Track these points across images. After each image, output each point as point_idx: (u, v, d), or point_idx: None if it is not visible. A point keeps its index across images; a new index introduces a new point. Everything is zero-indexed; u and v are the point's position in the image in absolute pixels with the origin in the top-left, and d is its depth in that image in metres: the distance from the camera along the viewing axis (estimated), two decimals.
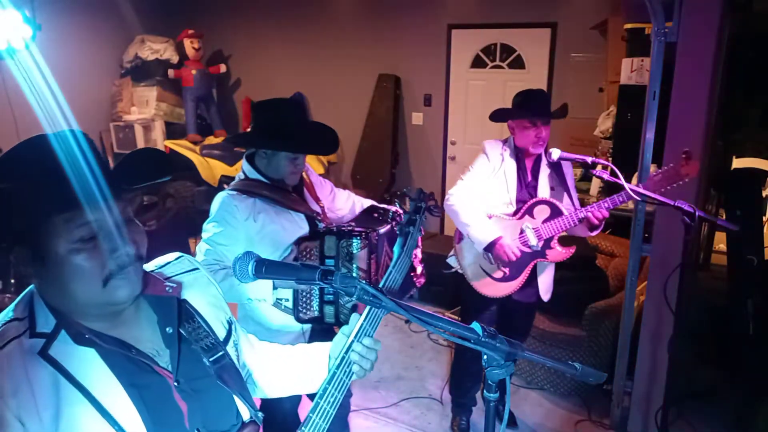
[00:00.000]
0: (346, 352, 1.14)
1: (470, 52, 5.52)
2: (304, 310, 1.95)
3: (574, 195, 2.67)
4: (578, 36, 4.95)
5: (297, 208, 2.03)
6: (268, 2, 6.27)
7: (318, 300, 1.93)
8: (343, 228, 1.93)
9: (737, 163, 4.56)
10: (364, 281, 0.87)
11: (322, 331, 2.13)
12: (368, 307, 1.16)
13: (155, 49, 6.21)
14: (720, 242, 5.02)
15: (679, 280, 2.22)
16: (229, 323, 1.15)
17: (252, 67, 6.63)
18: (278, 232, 1.97)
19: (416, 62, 5.72)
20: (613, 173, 2.29)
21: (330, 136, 2.08)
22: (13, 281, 3.32)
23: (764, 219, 4.05)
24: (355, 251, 1.86)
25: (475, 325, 0.93)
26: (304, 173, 2.20)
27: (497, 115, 2.62)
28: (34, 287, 0.94)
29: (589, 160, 2.36)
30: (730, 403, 3.07)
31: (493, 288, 2.62)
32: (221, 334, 1.10)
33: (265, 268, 0.90)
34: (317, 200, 2.18)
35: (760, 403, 2.82)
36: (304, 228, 2.03)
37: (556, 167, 2.63)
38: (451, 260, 2.78)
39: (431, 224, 6.07)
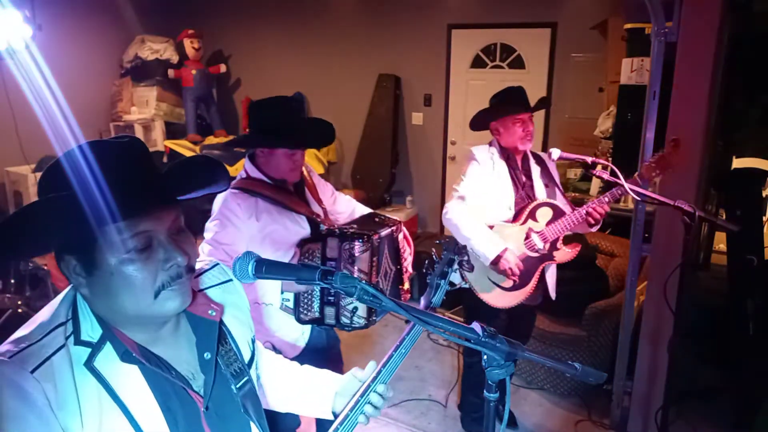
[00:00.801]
0: (362, 396, 1.15)
1: (470, 52, 5.52)
2: (305, 311, 1.95)
3: (561, 190, 2.68)
4: (578, 36, 4.95)
5: (298, 209, 2.03)
6: (268, 2, 6.27)
7: (319, 301, 1.93)
8: (346, 230, 1.92)
9: (737, 163, 4.55)
10: (364, 282, 0.87)
11: (319, 351, 2.14)
12: (387, 356, 1.19)
13: (155, 49, 6.21)
14: (720, 242, 5.02)
15: (679, 280, 2.22)
16: (253, 342, 1.14)
17: (252, 67, 6.63)
18: (280, 232, 1.97)
19: (416, 62, 5.72)
20: (613, 173, 2.29)
21: (325, 128, 2.09)
22: (13, 281, 3.32)
23: (764, 219, 4.05)
24: (357, 253, 1.85)
25: (475, 325, 0.93)
26: (306, 174, 2.20)
27: (478, 121, 2.60)
28: (79, 293, 0.91)
29: (589, 160, 2.36)
30: (730, 403, 3.07)
31: (504, 298, 2.55)
32: (247, 356, 1.09)
33: (265, 268, 0.90)
34: (319, 201, 2.18)
35: (760, 403, 2.82)
36: (305, 229, 2.03)
37: (542, 163, 2.63)
38: (454, 276, 2.74)
39: (431, 224, 6.08)
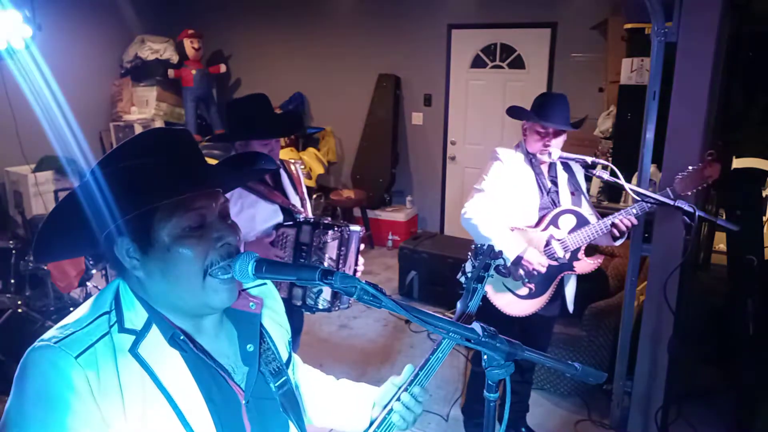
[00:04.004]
0: (398, 400, 1.13)
1: (470, 52, 5.53)
2: None
3: (588, 199, 2.57)
4: (578, 36, 4.95)
5: (273, 199, 2.24)
6: (268, 2, 6.27)
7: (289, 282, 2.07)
8: (320, 220, 2.16)
9: (737, 163, 4.56)
10: (364, 282, 0.87)
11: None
12: (427, 358, 1.17)
13: (155, 49, 6.21)
14: (720, 242, 5.02)
15: (679, 280, 2.23)
16: (289, 344, 1.15)
17: (252, 67, 6.64)
18: (254, 216, 2.18)
19: (416, 62, 5.72)
20: (613, 173, 2.29)
21: (294, 119, 2.27)
22: (13, 281, 3.32)
23: (764, 219, 4.05)
24: (327, 241, 2.07)
25: (476, 325, 0.93)
26: (293, 169, 2.41)
27: (513, 112, 2.50)
28: (124, 282, 0.93)
29: (589, 160, 2.34)
30: (730, 403, 3.07)
31: (518, 306, 2.46)
32: (284, 357, 1.09)
33: (265, 268, 0.90)
34: (302, 193, 2.38)
35: (760, 403, 2.82)
36: (279, 216, 2.24)
37: (569, 170, 2.53)
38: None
39: (431, 224, 6.08)
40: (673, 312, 2.29)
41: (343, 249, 2.10)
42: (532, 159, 2.47)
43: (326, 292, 2.06)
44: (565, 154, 2.42)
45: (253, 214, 2.18)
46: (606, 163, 2.34)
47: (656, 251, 2.75)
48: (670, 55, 2.55)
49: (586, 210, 2.48)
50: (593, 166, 2.33)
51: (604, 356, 3.24)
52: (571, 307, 2.58)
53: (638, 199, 2.29)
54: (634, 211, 2.29)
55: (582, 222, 2.39)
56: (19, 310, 2.92)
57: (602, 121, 4.62)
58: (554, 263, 2.41)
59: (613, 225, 2.31)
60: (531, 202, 2.45)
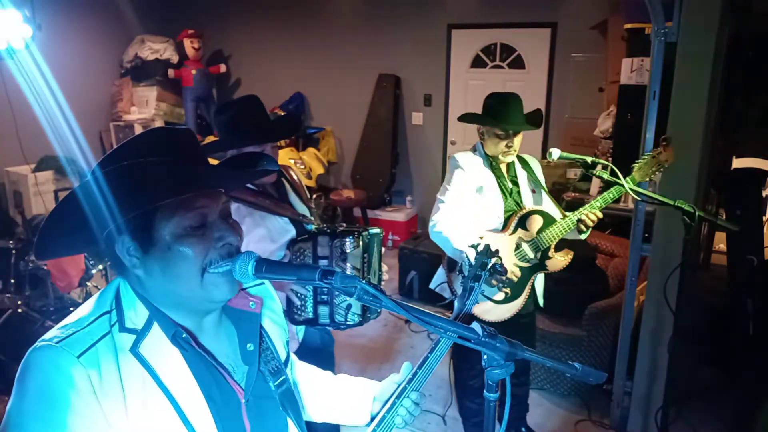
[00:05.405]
0: (398, 398, 1.15)
1: (470, 52, 5.53)
2: (299, 312, 1.93)
3: (549, 193, 2.60)
4: (578, 36, 4.95)
5: (281, 212, 2.04)
6: (268, 2, 6.27)
7: (312, 301, 1.91)
8: (336, 227, 1.93)
9: (737, 163, 4.55)
10: (363, 281, 0.86)
11: (312, 349, 2.13)
12: (424, 357, 1.18)
13: (155, 49, 6.21)
14: (720, 242, 5.01)
15: (679, 280, 2.22)
16: (287, 343, 1.15)
17: (252, 67, 6.64)
18: (264, 235, 1.99)
19: (416, 62, 5.72)
20: (613, 173, 2.29)
21: (290, 120, 2.09)
22: (13, 281, 3.31)
23: (764, 219, 4.05)
24: (348, 250, 1.85)
25: (475, 325, 0.93)
26: (293, 175, 2.22)
27: (467, 119, 2.51)
28: (125, 280, 0.93)
29: (589, 160, 2.34)
30: (730, 403, 3.07)
31: (496, 312, 2.46)
32: (282, 356, 1.10)
33: (265, 268, 0.90)
34: (307, 201, 2.19)
35: (760, 403, 2.82)
36: (290, 231, 2.04)
37: (528, 167, 2.57)
38: (443, 290, 2.62)
39: None
40: (673, 312, 2.29)
41: (366, 256, 1.88)
42: (492, 162, 2.49)
43: (356, 306, 1.86)
44: (565, 154, 2.42)
45: (264, 233, 1.99)
46: (606, 163, 2.34)
47: (656, 251, 2.75)
48: (670, 55, 2.55)
49: (548, 206, 2.51)
50: (593, 166, 2.34)
51: (604, 356, 3.24)
52: (541, 301, 2.60)
53: (638, 198, 2.30)
54: (598, 204, 2.33)
55: (548, 221, 2.42)
56: (19, 310, 2.91)
57: (602, 121, 4.61)
58: (527, 265, 2.43)
59: (579, 220, 2.35)
60: (496, 206, 2.46)
